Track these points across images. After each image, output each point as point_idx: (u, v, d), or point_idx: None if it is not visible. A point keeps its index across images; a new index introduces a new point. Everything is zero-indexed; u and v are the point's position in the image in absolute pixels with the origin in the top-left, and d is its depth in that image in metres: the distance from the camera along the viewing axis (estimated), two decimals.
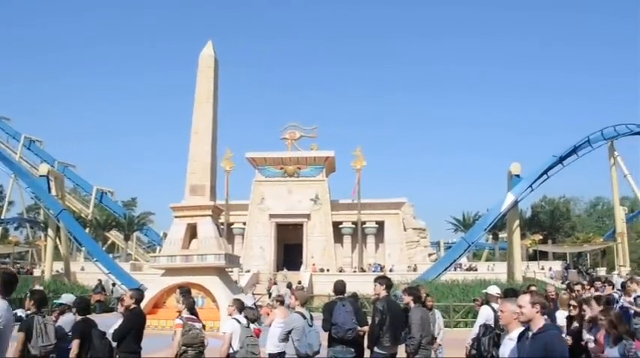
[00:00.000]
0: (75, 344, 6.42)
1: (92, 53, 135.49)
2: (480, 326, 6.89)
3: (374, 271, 38.93)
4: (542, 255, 50.73)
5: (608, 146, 35.72)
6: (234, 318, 7.57)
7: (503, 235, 46.29)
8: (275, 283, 27.95)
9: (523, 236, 42.53)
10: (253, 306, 13.24)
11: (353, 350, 6.99)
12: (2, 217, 58.33)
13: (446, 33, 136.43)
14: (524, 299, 4.08)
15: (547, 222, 55.06)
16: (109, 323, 7.23)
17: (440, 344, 9.06)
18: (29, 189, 38.48)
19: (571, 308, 8.06)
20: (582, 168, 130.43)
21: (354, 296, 8.49)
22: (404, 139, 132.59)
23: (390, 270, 41.28)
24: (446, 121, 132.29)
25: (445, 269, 33.58)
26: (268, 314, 9.44)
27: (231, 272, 27.83)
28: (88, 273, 37.39)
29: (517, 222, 34.21)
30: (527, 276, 34.66)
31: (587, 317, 7.02)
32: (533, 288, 10.69)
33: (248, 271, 39.68)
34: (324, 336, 7.16)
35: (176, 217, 20.00)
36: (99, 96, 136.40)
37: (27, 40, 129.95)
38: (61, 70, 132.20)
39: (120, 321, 6.89)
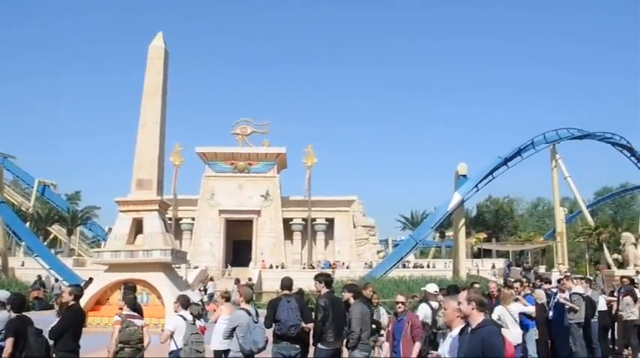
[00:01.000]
0: (9, 343, 6.17)
1: (39, 41, 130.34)
2: None
3: (323, 268, 39.13)
4: (486, 253, 52.24)
5: (550, 149, 37.05)
6: (179, 315, 7.47)
7: (449, 233, 47.38)
8: (211, 279, 27.67)
9: (468, 234, 43.65)
10: (199, 303, 13.10)
11: (298, 346, 7.02)
12: None
13: (398, 31, 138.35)
14: (462, 296, 4.19)
15: (491, 221, 56.76)
16: (49, 320, 7.00)
17: (384, 341, 9.20)
18: None
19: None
20: (526, 170, 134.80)
21: (300, 292, 8.53)
22: (355, 137, 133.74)
23: (348, 267, 41.65)
24: (396, 120, 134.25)
25: (393, 266, 34.09)
26: (215, 311, 9.36)
27: (179, 268, 27.39)
28: (28, 269, 35.96)
29: (463, 221, 35.08)
30: (472, 274, 35.60)
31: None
32: (476, 285, 11.04)
33: (196, 267, 39.16)
34: (270, 333, 7.16)
35: (121, 212, 19.50)
36: (44, 86, 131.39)
37: None
38: (7, 60, 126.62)
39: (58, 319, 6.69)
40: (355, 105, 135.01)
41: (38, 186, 55.99)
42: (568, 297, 10.82)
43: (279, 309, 6.93)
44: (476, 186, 34.58)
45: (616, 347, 12.45)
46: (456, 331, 4.28)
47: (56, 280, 28.96)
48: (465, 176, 34.30)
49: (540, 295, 11.07)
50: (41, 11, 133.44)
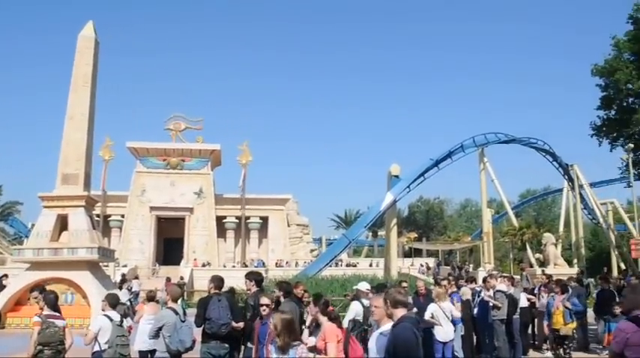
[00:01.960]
0: None
1: None
2: (349, 321, 7.12)
3: (256, 266, 38.91)
4: (417, 252, 53.60)
5: (478, 152, 38.37)
6: (105, 315, 7.19)
7: (381, 232, 48.23)
8: (137, 278, 26.98)
9: (400, 234, 44.58)
10: (127, 302, 12.72)
11: (227, 345, 6.93)
12: None
13: (339, 26, 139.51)
14: (380, 296, 4.40)
15: (422, 221, 58.26)
16: None
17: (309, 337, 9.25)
18: None
19: None
20: (455, 172, 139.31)
21: (231, 291, 8.44)
22: (291, 136, 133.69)
23: (281, 266, 41.54)
24: (332, 119, 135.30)
25: (326, 265, 34.30)
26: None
27: (107, 266, 26.49)
28: None
29: (395, 221, 35.72)
30: (403, 272, 36.36)
31: None
32: (404, 284, 11.28)
33: (125, 266, 37.98)
34: (198, 332, 7.03)
35: (45, 207, 18.65)
36: None
37: None
38: None
39: None
40: (292, 104, 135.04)
41: None
42: (492, 295, 11.26)
43: (210, 308, 6.82)
44: (408, 186, 35.30)
45: (536, 342, 13.11)
46: (383, 327, 4.37)
47: None
48: (397, 177, 34.92)
49: (466, 292, 11.47)
50: None
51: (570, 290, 11.86)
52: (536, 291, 13.46)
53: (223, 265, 42.71)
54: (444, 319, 9.68)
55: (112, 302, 7.42)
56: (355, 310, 7.62)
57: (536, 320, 13.05)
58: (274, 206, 48.02)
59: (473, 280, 13.58)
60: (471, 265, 46.15)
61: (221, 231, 46.63)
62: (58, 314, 6.91)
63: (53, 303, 6.97)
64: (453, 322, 9.84)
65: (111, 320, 7.08)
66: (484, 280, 12.42)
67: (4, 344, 6.59)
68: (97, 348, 6.95)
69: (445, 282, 12.09)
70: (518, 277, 20.29)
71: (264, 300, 6.48)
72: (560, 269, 26.64)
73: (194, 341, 6.83)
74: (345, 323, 7.19)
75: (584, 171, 38.40)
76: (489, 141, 37.90)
